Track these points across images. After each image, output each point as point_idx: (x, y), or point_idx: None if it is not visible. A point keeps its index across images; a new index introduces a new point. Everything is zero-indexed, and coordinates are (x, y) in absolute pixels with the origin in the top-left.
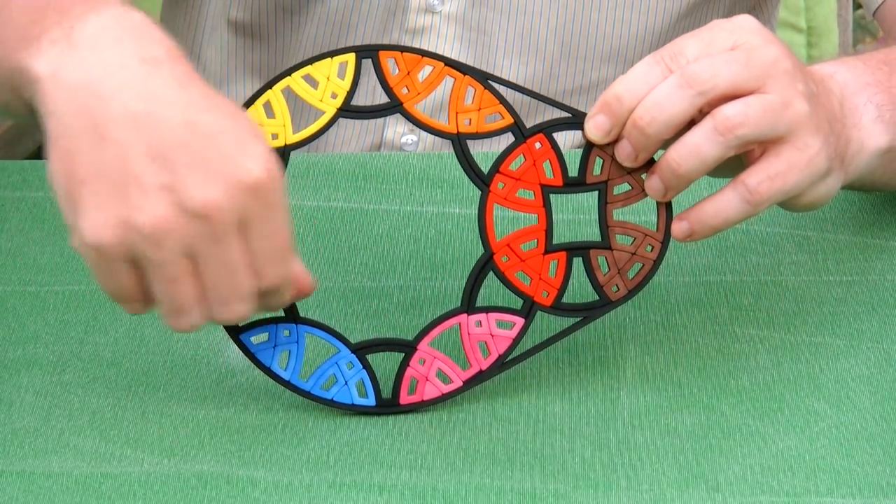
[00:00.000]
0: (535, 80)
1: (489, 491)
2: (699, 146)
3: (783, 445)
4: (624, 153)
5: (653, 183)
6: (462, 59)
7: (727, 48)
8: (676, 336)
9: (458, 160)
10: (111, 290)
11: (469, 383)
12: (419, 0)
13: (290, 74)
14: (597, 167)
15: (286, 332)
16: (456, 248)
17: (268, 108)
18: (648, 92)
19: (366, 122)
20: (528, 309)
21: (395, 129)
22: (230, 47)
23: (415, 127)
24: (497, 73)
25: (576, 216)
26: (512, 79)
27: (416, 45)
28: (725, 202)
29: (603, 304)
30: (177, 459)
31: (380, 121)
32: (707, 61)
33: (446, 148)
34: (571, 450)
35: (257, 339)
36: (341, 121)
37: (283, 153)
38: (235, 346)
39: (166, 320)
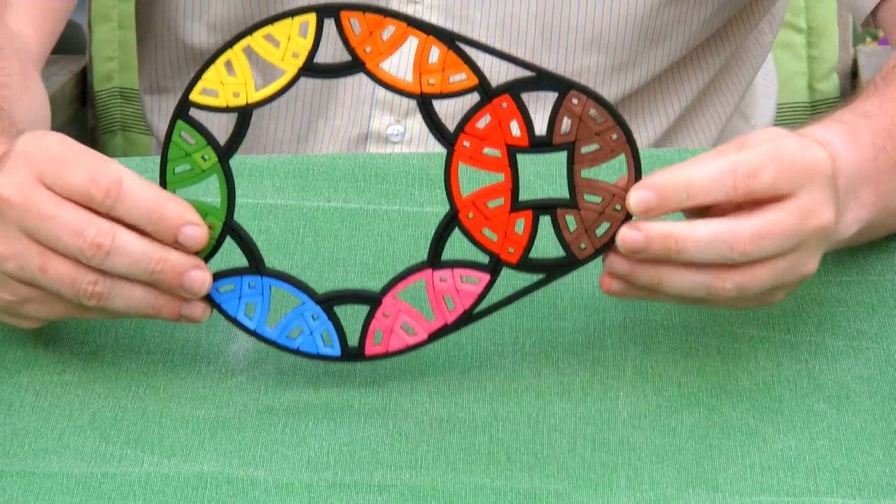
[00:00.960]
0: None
1: (489, 491)
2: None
3: (783, 445)
4: (642, 202)
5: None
6: None
7: (793, 192)
8: (676, 336)
9: (423, 120)
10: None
11: (434, 336)
12: None
13: (250, 34)
14: (565, 126)
15: (251, 284)
16: (455, 248)
17: (229, 66)
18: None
19: (352, 113)
20: (494, 265)
21: (381, 121)
22: (223, 31)
23: (401, 117)
24: (479, 62)
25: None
26: (494, 67)
27: None
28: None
29: (569, 262)
30: (177, 459)
31: (366, 111)
32: (762, 237)
33: (438, 146)
34: (571, 450)
35: (224, 287)
36: (329, 113)
37: (245, 111)
38: (235, 347)
39: (89, 301)
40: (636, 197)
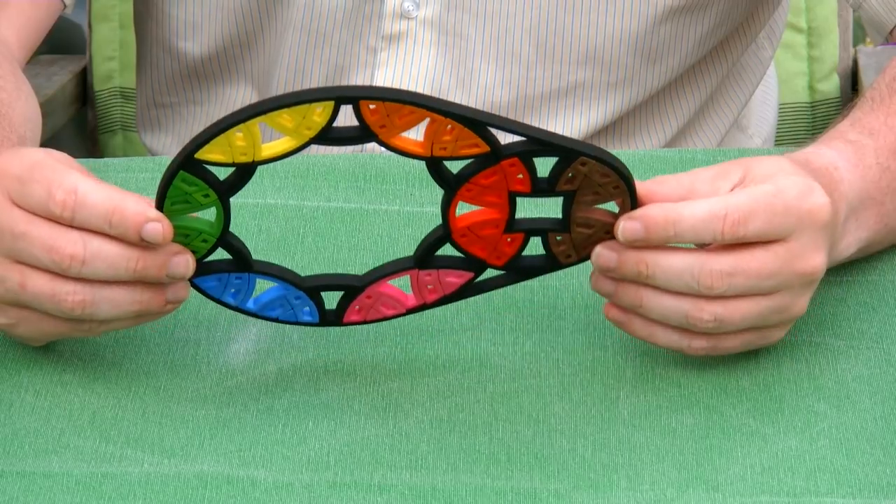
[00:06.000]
0: (513, 83)
1: (489, 491)
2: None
3: (783, 445)
4: (630, 233)
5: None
6: (439, 64)
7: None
8: None
9: (430, 174)
10: (43, 329)
11: (412, 310)
12: (394, 6)
13: (266, 114)
14: (566, 183)
15: (237, 278)
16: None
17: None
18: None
19: None
20: (479, 266)
21: None
22: (218, 49)
23: None
24: (474, 77)
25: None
26: (489, 82)
27: (392, 50)
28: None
29: (553, 265)
30: (177, 459)
31: None
32: (733, 274)
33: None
34: (571, 450)
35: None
36: None
37: (251, 168)
38: (235, 347)
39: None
40: (625, 227)
